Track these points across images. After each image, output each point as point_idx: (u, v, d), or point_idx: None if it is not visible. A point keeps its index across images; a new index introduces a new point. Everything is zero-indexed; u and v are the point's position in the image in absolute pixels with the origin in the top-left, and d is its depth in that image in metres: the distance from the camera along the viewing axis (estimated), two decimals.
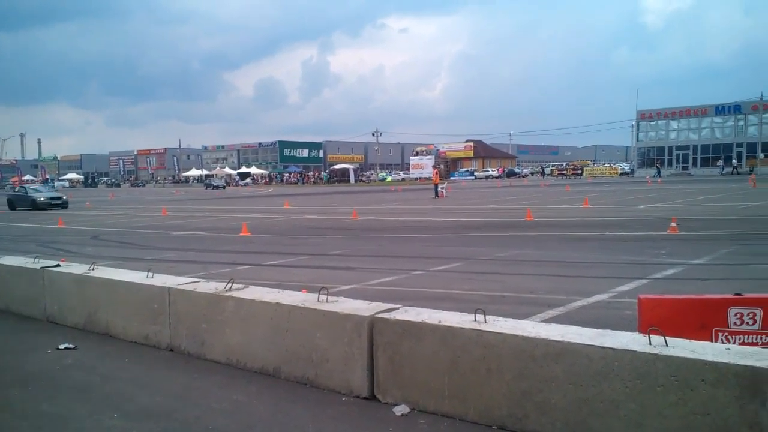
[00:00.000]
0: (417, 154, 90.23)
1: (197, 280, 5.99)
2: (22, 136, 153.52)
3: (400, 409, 3.98)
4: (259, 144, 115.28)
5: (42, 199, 34.79)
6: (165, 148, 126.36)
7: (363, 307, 4.52)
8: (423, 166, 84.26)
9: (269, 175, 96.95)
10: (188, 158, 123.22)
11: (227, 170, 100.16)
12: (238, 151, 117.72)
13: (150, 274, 6.16)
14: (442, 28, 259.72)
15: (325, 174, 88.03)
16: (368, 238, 15.73)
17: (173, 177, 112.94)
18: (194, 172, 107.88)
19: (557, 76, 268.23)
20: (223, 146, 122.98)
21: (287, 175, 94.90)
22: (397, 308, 4.42)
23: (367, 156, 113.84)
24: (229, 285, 5.38)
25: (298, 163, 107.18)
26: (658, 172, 62.45)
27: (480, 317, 3.92)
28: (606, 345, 3.30)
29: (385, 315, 4.26)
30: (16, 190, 40.22)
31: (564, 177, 71.37)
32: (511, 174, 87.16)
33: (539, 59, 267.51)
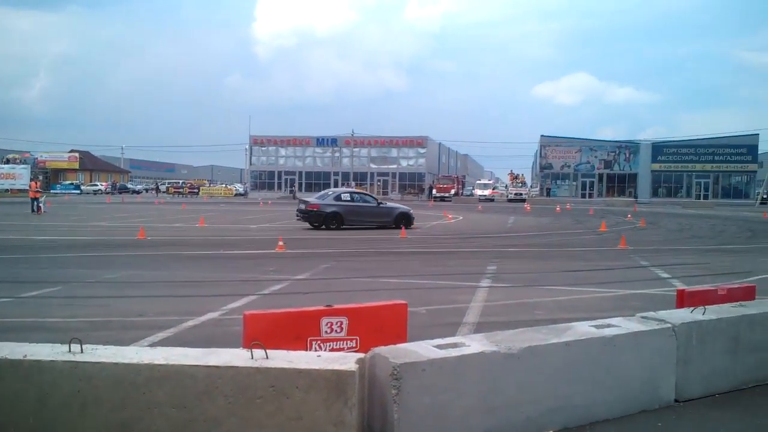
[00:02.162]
0: (8, 162, 77.70)
1: None
2: None
3: None
4: None
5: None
6: None
7: None
8: (16, 176, 72.87)
9: None
10: None
11: None
12: None
13: None
14: (40, 23, 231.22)
15: None
16: None
17: None
18: None
19: (173, 93, 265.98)
20: None
21: None
22: None
23: None
24: None
25: None
26: (294, 194, 67.96)
27: (76, 347, 3.51)
28: (210, 363, 3.32)
29: None
30: (352, 197, 23.84)
31: (180, 195, 70.71)
32: (123, 189, 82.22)
33: (154, 74, 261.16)
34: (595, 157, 69.72)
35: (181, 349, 3.66)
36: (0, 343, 3.75)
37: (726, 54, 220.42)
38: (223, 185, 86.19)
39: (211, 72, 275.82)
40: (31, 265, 12.53)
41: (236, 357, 3.44)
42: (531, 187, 74.38)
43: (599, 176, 69.57)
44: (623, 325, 4.60)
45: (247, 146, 79.49)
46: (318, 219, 22.22)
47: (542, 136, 72.43)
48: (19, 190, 68.93)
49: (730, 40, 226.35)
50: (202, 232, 21.15)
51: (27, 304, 8.42)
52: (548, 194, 68.75)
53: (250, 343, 3.60)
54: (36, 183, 34.51)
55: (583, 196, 68.27)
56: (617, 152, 69.70)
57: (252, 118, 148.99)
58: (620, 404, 4.36)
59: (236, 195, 74.91)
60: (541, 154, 72.07)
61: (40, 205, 30.73)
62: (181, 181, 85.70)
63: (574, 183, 70.41)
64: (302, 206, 23.05)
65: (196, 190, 74.42)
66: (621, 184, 69.18)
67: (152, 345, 5.72)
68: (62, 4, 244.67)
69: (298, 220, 23.08)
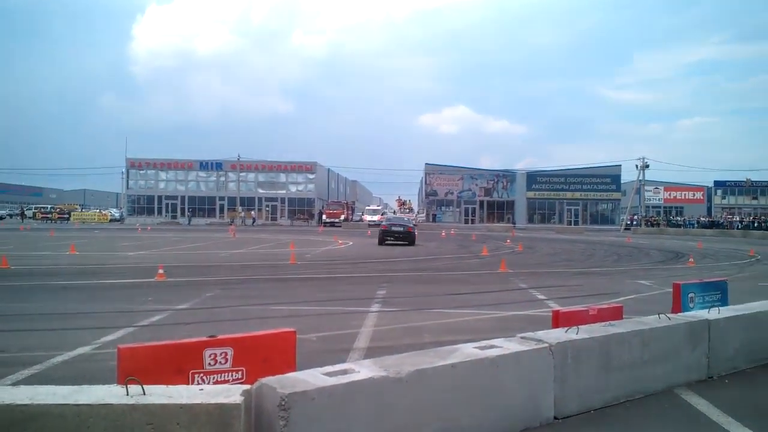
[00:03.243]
0: None
1: None
2: None
3: None
4: None
5: None
6: None
7: None
8: None
9: None
10: None
11: None
12: None
13: None
14: None
15: None
16: None
17: None
18: None
19: (40, 114, 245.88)
20: None
21: None
22: None
23: None
24: None
25: None
26: (189, 221, 65.18)
27: None
28: (81, 402, 3.06)
29: None
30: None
31: (49, 221, 65.61)
32: None
33: (20, 94, 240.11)
34: (476, 185, 72.89)
35: (47, 387, 3.35)
36: None
37: (589, 91, 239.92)
38: (97, 210, 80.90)
39: (83, 92, 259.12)
40: None
41: (110, 394, 3.19)
42: (418, 213, 76.42)
43: (480, 203, 72.74)
44: (505, 346, 4.78)
45: (123, 169, 75.34)
46: (410, 239, 29.87)
47: (427, 164, 74.75)
48: None
49: (591, 78, 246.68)
50: (73, 260, 19.67)
51: None
52: (434, 220, 70.90)
53: (125, 378, 3.37)
54: None
55: (466, 221, 71.04)
56: (496, 180, 73.31)
57: (129, 140, 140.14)
58: (504, 423, 4.51)
59: (112, 220, 70.55)
60: (426, 181, 74.30)
61: None
62: (49, 206, 79.56)
63: (458, 209, 73.11)
64: (399, 229, 30.57)
65: (66, 216, 69.27)
66: (500, 210, 72.76)
67: (15, 384, 5.20)
68: None
69: (388, 240, 30.07)
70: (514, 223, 67.23)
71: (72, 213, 72.38)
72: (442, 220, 70.28)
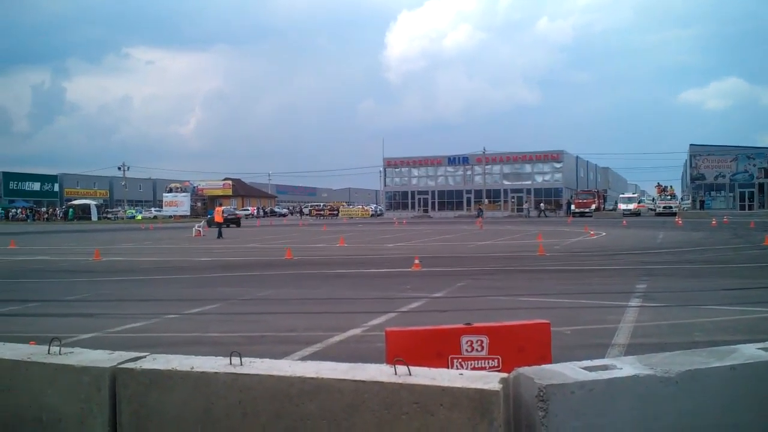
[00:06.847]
0: (171, 190, 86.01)
1: None
2: None
3: None
4: None
5: None
6: None
7: (103, 358, 4.05)
8: (178, 204, 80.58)
9: None
10: None
11: None
12: None
13: None
14: (193, 63, 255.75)
15: (71, 210, 77.60)
16: (113, 280, 14.42)
17: None
18: None
19: (312, 121, 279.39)
20: None
21: (14, 210, 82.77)
22: (144, 356, 4.06)
23: (113, 191, 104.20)
24: None
25: (27, 197, 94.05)
26: (480, 213, 60.97)
27: (236, 360, 3.78)
28: (357, 378, 3.42)
29: (130, 365, 3.88)
30: None
31: (321, 217, 74.06)
32: (272, 213, 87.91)
33: (294, 104, 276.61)
34: (754, 165, 63.48)
35: (329, 363, 3.81)
36: (170, 356, 4.13)
37: None
38: (360, 206, 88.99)
39: (346, 100, 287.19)
40: (194, 285, 13.71)
41: (381, 372, 3.51)
42: (681, 199, 69.21)
43: (759, 186, 63.14)
44: None
45: (381, 168, 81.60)
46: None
47: (692, 145, 67.32)
48: (181, 216, 75.93)
49: None
50: (342, 251, 21.97)
51: (191, 320, 9.22)
52: (702, 207, 63.53)
53: (393, 358, 3.67)
54: (220, 208, 35.54)
55: (742, 207, 62.30)
56: None
57: (385, 141, 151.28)
58: None
59: (372, 215, 77.06)
60: (691, 164, 66.91)
61: (199, 229, 33.53)
62: (321, 204, 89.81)
63: (731, 194, 64.47)
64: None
65: (335, 212, 77.58)
66: None
67: (303, 359, 6.02)
68: (210, 43, 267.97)
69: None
70: None
71: (340, 209, 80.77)
72: (712, 207, 62.62)
